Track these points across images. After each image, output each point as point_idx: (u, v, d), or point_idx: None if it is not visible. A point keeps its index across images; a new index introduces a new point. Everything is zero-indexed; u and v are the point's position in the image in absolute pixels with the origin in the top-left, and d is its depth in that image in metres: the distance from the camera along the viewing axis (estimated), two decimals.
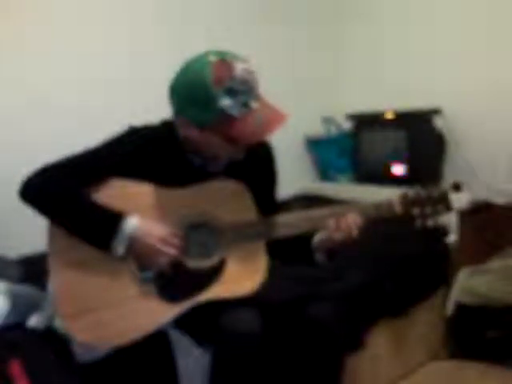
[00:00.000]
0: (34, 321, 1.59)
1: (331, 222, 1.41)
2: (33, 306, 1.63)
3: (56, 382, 1.45)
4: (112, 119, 1.71)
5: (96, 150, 1.43)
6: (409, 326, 2.23)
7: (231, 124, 1.34)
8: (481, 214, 2.20)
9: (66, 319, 1.39)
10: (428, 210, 1.43)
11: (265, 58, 2.03)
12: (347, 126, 2.95)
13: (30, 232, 1.61)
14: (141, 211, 1.39)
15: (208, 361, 1.41)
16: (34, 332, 1.57)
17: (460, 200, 1.43)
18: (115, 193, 1.41)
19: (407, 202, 1.44)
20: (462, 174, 2.57)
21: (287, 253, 1.55)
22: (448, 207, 1.44)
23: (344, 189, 2.88)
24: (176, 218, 1.43)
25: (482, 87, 2.63)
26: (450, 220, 2.29)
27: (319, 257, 1.51)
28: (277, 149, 1.64)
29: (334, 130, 3.06)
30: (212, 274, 1.41)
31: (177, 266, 1.41)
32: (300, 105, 2.70)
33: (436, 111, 2.66)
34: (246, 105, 1.33)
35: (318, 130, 3.07)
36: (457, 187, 1.44)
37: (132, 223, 1.36)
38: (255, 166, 1.56)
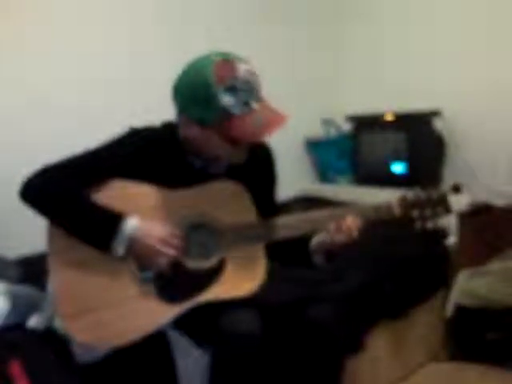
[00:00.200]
0: (33, 321, 1.59)
1: (332, 224, 1.41)
2: (32, 307, 1.63)
3: (56, 382, 1.45)
4: (112, 119, 1.71)
5: (97, 150, 1.43)
6: (408, 328, 2.22)
7: (232, 123, 1.34)
8: (480, 216, 2.19)
9: (65, 319, 1.38)
10: (427, 212, 1.43)
11: (265, 58, 2.02)
12: (347, 127, 2.94)
13: (30, 232, 1.61)
14: (141, 212, 1.39)
15: (207, 362, 1.41)
16: (33, 332, 1.57)
17: (460, 202, 1.43)
18: (115, 194, 1.41)
19: (406, 204, 1.44)
20: (462, 176, 2.57)
21: (286, 255, 1.54)
22: (447, 209, 1.43)
23: (344, 190, 2.88)
24: (176, 218, 1.43)
25: (482, 87, 2.63)
26: (450, 222, 2.29)
27: (317, 259, 1.50)
28: (276, 150, 1.64)
29: (333, 132, 3.05)
30: (212, 275, 1.41)
31: (176, 266, 1.41)
32: (300, 106, 2.69)
33: (436, 113, 2.66)
34: (246, 104, 1.34)
35: (317, 131, 3.07)
36: (456, 189, 1.44)
37: (132, 224, 1.36)
38: (255, 168, 1.56)
